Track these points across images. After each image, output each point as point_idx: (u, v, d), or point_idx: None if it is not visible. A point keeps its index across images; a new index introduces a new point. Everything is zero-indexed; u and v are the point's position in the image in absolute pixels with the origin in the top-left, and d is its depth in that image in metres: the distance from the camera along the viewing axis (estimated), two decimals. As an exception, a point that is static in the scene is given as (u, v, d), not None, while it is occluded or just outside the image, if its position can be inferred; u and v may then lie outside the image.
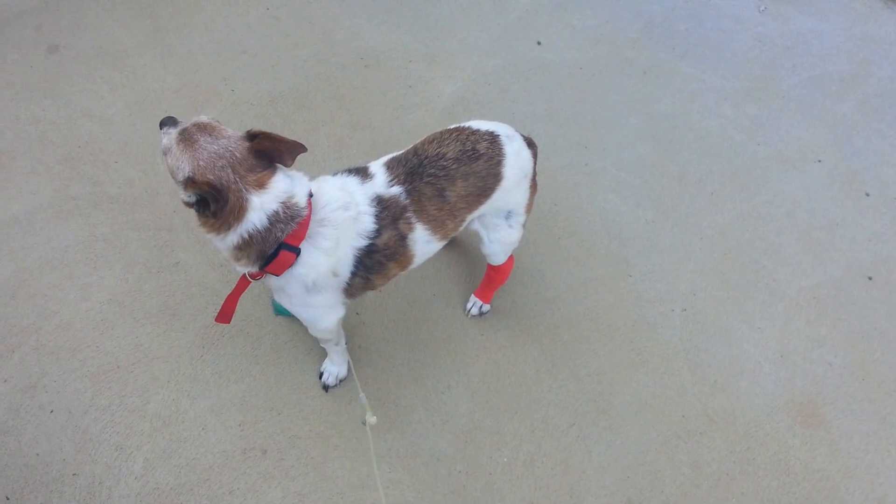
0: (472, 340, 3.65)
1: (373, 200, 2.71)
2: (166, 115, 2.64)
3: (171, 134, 2.48)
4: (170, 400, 3.35)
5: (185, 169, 2.39)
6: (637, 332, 3.76)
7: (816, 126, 4.72)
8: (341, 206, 2.63)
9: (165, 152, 2.47)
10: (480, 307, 3.70)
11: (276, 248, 2.51)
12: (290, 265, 2.58)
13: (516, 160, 2.92)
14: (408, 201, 2.73)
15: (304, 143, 2.50)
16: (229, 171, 2.40)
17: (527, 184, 3.05)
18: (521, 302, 3.80)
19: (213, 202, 2.37)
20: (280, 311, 3.55)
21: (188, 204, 2.45)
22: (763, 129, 4.65)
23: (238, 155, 2.42)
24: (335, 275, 2.70)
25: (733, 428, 3.53)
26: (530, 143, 3.08)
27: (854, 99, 4.91)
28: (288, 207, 2.49)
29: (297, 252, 2.55)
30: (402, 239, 2.76)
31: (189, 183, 2.38)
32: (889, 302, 3.98)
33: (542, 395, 3.53)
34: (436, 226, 2.82)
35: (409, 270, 2.93)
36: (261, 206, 2.43)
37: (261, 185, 2.46)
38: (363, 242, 2.68)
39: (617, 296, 3.87)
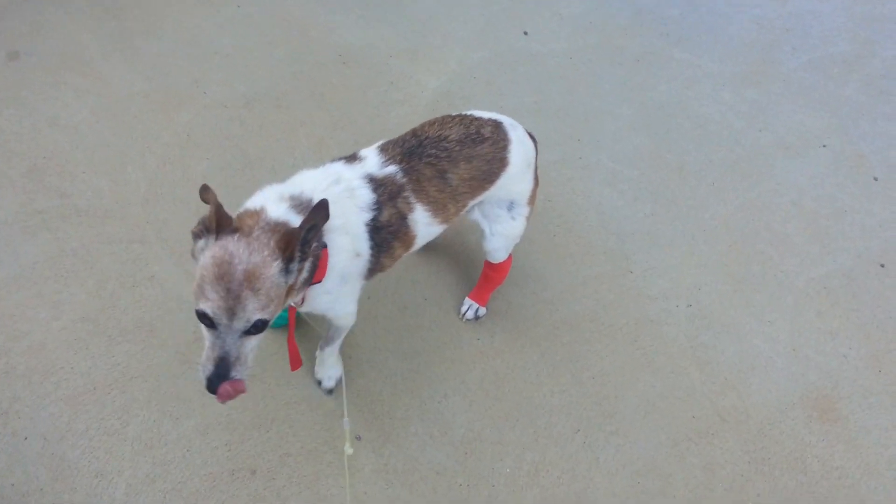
0: (467, 346, 3.67)
1: (364, 178, 2.70)
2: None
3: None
4: (151, 421, 3.34)
5: (277, 261, 2.27)
6: (641, 330, 3.79)
7: (819, 110, 4.78)
8: (331, 183, 2.62)
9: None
10: (476, 310, 3.72)
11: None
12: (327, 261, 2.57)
13: (521, 147, 2.98)
14: (405, 180, 2.74)
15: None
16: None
17: (531, 174, 3.10)
18: (517, 303, 3.82)
19: (321, 215, 2.29)
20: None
21: (305, 252, 2.35)
22: (764, 115, 4.70)
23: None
24: (358, 255, 2.70)
25: (746, 427, 3.55)
26: (531, 136, 3.13)
27: (858, 81, 4.96)
28: (299, 202, 2.52)
29: (325, 245, 2.54)
30: (403, 218, 2.76)
31: (281, 247, 2.28)
32: (902, 289, 4.03)
33: (543, 400, 3.54)
34: (436, 208, 2.83)
35: (410, 252, 2.95)
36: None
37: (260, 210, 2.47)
38: (368, 215, 2.66)
39: (618, 294, 3.90)
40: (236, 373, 2.27)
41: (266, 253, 2.24)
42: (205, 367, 2.26)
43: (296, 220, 2.42)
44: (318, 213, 2.26)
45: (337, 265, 2.62)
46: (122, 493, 3.17)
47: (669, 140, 4.52)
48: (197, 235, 2.33)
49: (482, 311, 3.72)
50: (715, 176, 4.37)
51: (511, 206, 3.14)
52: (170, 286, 3.70)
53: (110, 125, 4.23)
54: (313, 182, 2.64)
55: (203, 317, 2.23)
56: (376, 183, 2.70)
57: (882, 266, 4.09)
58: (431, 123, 2.91)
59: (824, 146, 4.59)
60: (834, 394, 3.67)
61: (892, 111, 4.82)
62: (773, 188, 4.36)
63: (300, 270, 2.38)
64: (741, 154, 4.50)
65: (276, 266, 2.25)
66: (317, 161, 4.02)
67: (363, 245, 2.70)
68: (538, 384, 3.58)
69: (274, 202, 2.50)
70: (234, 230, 2.30)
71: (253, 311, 2.21)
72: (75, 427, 3.31)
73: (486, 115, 3.00)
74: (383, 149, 2.82)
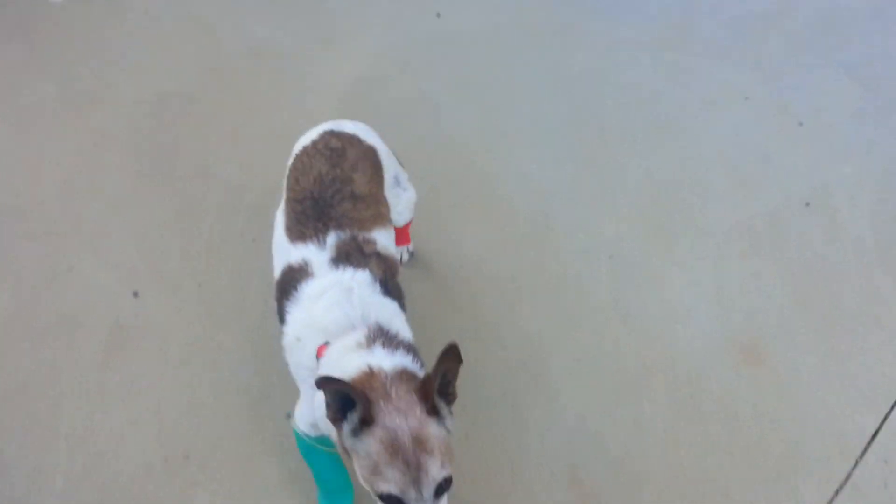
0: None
1: (330, 266, 2.66)
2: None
3: None
4: (83, 415, 3.42)
5: (430, 417, 2.21)
6: (564, 287, 3.88)
7: (741, 66, 4.90)
8: (346, 297, 2.57)
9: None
10: (408, 250, 3.88)
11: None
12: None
13: (368, 134, 3.07)
14: (347, 231, 2.72)
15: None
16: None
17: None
18: (437, 269, 3.92)
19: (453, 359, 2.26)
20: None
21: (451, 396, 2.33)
22: (684, 76, 4.82)
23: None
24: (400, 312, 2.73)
25: (673, 376, 3.61)
26: None
27: (780, 35, 5.09)
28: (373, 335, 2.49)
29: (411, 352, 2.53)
30: (379, 255, 2.74)
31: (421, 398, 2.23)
32: (827, 226, 4.11)
33: (469, 366, 3.47)
34: (379, 220, 2.86)
35: None
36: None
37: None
38: (378, 285, 2.65)
39: (540, 252, 4.01)
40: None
41: (418, 411, 2.19)
42: None
43: (404, 357, 2.42)
44: (448, 359, 2.22)
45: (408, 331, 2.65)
46: (60, 485, 3.25)
47: (590, 106, 4.64)
48: (337, 420, 2.26)
49: (411, 247, 3.88)
50: (637, 136, 4.49)
51: (397, 181, 3.25)
52: (88, 276, 3.82)
53: (25, 129, 4.39)
54: (340, 309, 2.56)
55: (390, 498, 2.16)
56: (340, 257, 2.67)
57: (807, 205, 4.19)
58: (297, 180, 2.88)
59: (747, 98, 4.69)
60: (760, 335, 3.74)
61: (815, 60, 4.93)
62: (696, 141, 4.48)
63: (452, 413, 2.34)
64: (661, 113, 4.61)
65: (433, 423, 2.20)
66: (232, 149, 4.24)
67: (394, 305, 2.69)
68: (462, 349, 3.61)
69: (368, 354, 2.41)
70: (370, 401, 2.19)
71: (437, 471, 2.14)
72: (9, 425, 3.39)
73: (313, 134, 3.03)
74: (300, 235, 2.75)
